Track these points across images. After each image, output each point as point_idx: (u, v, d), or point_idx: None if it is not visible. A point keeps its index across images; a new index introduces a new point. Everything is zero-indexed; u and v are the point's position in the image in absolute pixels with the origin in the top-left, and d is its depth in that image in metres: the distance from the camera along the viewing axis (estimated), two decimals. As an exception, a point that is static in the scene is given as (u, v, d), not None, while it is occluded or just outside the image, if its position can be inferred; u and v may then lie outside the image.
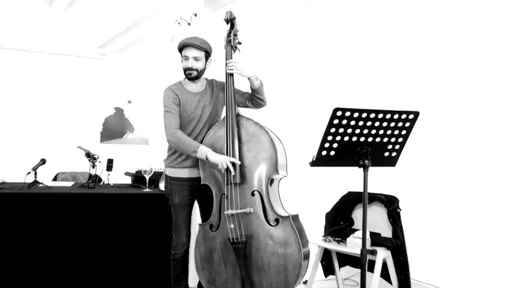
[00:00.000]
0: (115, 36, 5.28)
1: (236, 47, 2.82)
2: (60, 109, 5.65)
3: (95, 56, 5.78)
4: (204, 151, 2.66)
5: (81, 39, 5.65)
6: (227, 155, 2.66)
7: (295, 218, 2.61)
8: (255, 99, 2.84)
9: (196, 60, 2.75)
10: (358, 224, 3.27)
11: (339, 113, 2.08)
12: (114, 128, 5.91)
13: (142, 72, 5.90)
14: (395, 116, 2.17)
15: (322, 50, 4.27)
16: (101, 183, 3.82)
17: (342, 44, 4.10)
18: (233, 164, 2.63)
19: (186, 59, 2.75)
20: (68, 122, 5.66)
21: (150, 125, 5.98)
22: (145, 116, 6.01)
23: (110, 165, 3.77)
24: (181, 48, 2.77)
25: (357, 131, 2.16)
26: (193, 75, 2.77)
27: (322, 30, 4.14)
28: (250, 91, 2.84)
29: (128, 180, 3.97)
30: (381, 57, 3.88)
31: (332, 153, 2.18)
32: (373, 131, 2.19)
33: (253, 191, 2.64)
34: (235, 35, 2.81)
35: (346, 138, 2.17)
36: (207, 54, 2.79)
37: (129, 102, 5.97)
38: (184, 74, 2.79)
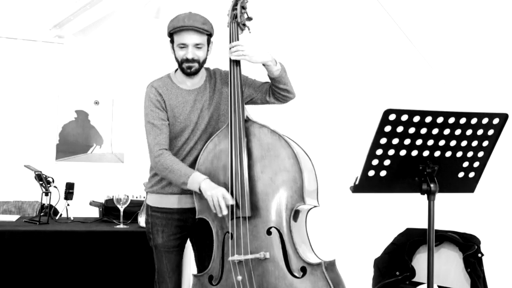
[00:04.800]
0: (76, 12, 5.36)
1: (244, 25, 2.83)
2: None
3: (48, 39, 5.86)
4: (196, 181, 2.64)
5: (30, 16, 5.73)
6: (232, 177, 2.66)
7: (330, 265, 2.60)
8: (277, 91, 2.83)
9: (198, 48, 2.74)
10: (421, 274, 3.24)
11: (392, 117, 2.08)
12: (76, 140, 5.97)
13: (114, 62, 5.97)
14: (474, 121, 2.16)
15: (371, 27, 4.30)
16: (57, 217, 3.86)
17: (402, 27, 4.14)
18: (234, 195, 2.62)
19: (183, 47, 2.73)
20: (10, 131, 5.73)
21: (126, 135, 6.04)
22: (119, 122, 6.07)
23: (69, 192, 3.80)
24: (173, 32, 2.75)
25: (419, 142, 2.15)
26: (193, 69, 2.76)
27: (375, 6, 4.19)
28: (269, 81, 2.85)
29: (95, 212, 3.99)
30: (454, 43, 3.90)
31: (383, 173, 2.18)
32: (442, 142, 2.18)
33: (270, 228, 2.63)
34: (243, 7, 2.82)
35: (403, 153, 2.16)
36: (209, 37, 2.80)
37: (97, 103, 6.03)
38: (180, 67, 2.78)
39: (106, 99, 6.04)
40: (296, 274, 2.57)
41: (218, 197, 2.59)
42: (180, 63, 2.76)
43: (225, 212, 2.59)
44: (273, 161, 2.65)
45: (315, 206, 2.72)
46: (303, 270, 2.57)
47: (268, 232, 2.63)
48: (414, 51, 4.15)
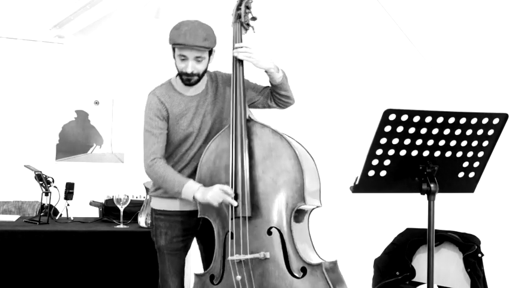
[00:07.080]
0: (76, 12, 5.36)
1: (248, 24, 2.82)
2: None
3: (49, 39, 5.86)
4: (190, 191, 2.65)
5: (30, 16, 5.73)
6: (233, 176, 2.65)
7: (332, 266, 2.60)
8: (278, 97, 2.85)
9: (198, 61, 2.71)
10: (421, 274, 3.24)
11: (392, 117, 2.08)
12: (76, 140, 5.97)
13: (114, 62, 5.97)
14: (474, 121, 2.16)
15: (371, 27, 4.30)
16: (57, 217, 3.85)
17: (402, 26, 4.14)
18: (236, 193, 2.62)
19: (183, 59, 2.71)
20: (10, 131, 5.73)
21: (126, 135, 6.03)
22: (119, 122, 6.07)
23: (69, 192, 3.80)
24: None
25: (419, 142, 2.15)
26: (192, 81, 2.75)
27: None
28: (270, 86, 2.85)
29: (95, 212, 3.99)
30: (454, 43, 3.90)
31: (383, 173, 2.18)
32: (442, 142, 2.18)
33: (270, 228, 2.63)
34: (247, 7, 2.81)
35: (403, 153, 2.16)
36: (211, 49, 2.77)
37: (97, 103, 6.03)
38: (180, 77, 2.77)
39: (106, 99, 6.04)
40: (296, 274, 2.57)
41: (220, 197, 2.60)
42: (180, 74, 2.76)
43: (235, 203, 2.61)
44: (275, 161, 2.65)
45: (317, 207, 2.72)
46: (303, 270, 2.57)
47: (269, 232, 2.62)
48: (414, 51, 4.15)
